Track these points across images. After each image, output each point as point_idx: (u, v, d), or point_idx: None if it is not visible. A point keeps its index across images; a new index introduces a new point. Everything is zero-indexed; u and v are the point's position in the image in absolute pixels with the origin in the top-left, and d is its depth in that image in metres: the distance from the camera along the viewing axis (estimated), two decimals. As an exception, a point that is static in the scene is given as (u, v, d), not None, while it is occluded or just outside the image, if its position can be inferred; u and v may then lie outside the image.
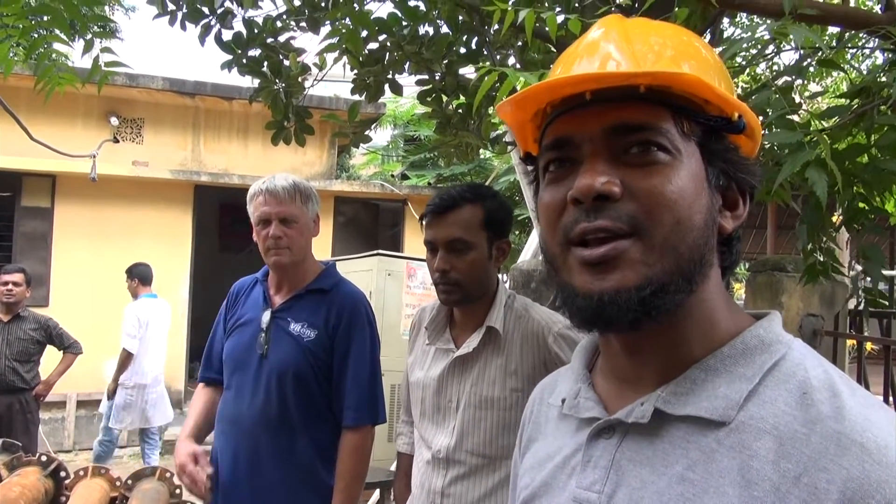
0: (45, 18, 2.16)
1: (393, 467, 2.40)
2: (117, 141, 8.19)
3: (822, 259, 2.03)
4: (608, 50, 0.64)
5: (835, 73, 5.85)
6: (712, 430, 0.59)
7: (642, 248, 0.60)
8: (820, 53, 1.85)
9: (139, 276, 5.67)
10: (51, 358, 5.13)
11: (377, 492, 4.10)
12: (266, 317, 1.99)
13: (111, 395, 5.46)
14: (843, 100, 1.86)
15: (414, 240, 9.08)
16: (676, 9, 1.90)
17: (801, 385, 0.58)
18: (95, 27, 2.39)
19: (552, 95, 0.67)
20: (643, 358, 0.66)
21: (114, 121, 8.13)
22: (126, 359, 5.36)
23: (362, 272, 5.00)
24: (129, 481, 2.33)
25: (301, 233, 1.98)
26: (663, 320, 0.61)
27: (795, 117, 1.58)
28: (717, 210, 0.65)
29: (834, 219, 2.13)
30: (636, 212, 0.60)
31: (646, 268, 0.60)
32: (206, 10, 3.13)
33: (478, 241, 1.62)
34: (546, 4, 2.56)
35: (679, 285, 0.60)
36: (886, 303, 2.36)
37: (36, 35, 2.35)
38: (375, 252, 5.26)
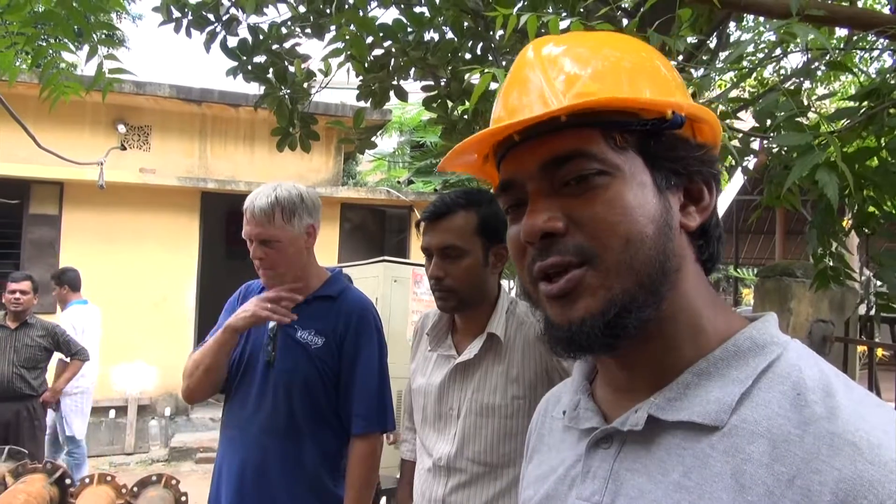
0: (51, 26, 2.16)
1: (397, 474, 2.38)
2: (125, 148, 8.23)
3: (832, 264, 2.01)
4: (533, 84, 0.64)
5: (843, 78, 5.82)
6: (706, 434, 0.58)
7: (597, 274, 0.61)
8: (828, 55, 1.83)
9: (69, 282, 5.54)
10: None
11: (384, 499, 4.08)
12: (272, 324, 1.98)
13: (56, 406, 5.28)
14: (851, 102, 1.84)
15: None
16: (679, 11, 1.88)
17: (796, 386, 0.57)
18: (101, 34, 2.39)
19: (484, 145, 0.68)
20: (635, 367, 0.66)
21: (121, 128, 8.17)
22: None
23: (368, 278, 4.99)
24: (135, 488, 2.32)
25: (283, 251, 1.93)
26: (639, 335, 0.61)
27: (804, 120, 1.57)
28: (678, 209, 0.64)
29: (844, 223, 2.11)
30: (583, 241, 0.61)
31: (605, 291, 0.60)
32: (211, 16, 3.14)
33: (472, 247, 1.61)
34: (550, 9, 2.55)
35: (644, 300, 0.61)
36: (898, 308, 2.33)
37: (43, 43, 2.35)
38: (381, 258, 5.26)
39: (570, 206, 0.61)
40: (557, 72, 0.64)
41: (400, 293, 5.09)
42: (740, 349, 0.61)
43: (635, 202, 0.61)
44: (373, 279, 5.02)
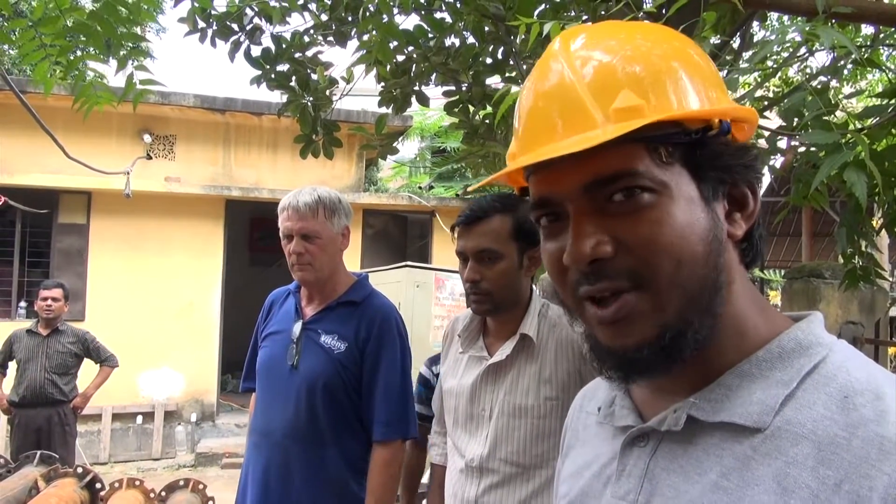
0: (82, 37, 2.20)
1: (425, 478, 2.37)
2: (150, 157, 8.35)
3: (862, 263, 1.98)
4: (566, 93, 0.60)
5: (870, 76, 5.73)
6: (747, 436, 0.57)
7: (650, 299, 0.58)
8: (854, 55, 1.80)
9: None
10: (88, 371, 5.23)
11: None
12: (297, 328, 1.99)
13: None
14: (879, 100, 1.81)
15: (442, 251, 9.09)
16: (704, 13, 1.87)
17: (843, 388, 0.55)
18: (131, 45, 2.44)
19: (518, 173, 0.67)
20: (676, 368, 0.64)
21: (147, 138, 8.29)
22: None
23: (391, 284, 5.01)
24: (163, 493, 2.36)
25: (323, 248, 1.96)
26: (695, 355, 0.60)
27: (832, 118, 1.55)
28: (724, 219, 0.62)
29: (874, 223, 2.07)
30: (633, 265, 0.58)
31: (659, 315, 0.58)
32: (235, 26, 3.18)
33: (507, 251, 1.61)
34: (572, 13, 2.55)
35: (700, 322, 0.59)
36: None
37: (73, 55, 2.40)
38: (404, 264, 5.29)
39: (616, 226, 0.58)
40: (592, 74, 0.60)
41: (422, 298, 5.10)
42: (784, 350, 0.60)
43: (685, 221, 0.58)
44: (395, 284, 5.05)
